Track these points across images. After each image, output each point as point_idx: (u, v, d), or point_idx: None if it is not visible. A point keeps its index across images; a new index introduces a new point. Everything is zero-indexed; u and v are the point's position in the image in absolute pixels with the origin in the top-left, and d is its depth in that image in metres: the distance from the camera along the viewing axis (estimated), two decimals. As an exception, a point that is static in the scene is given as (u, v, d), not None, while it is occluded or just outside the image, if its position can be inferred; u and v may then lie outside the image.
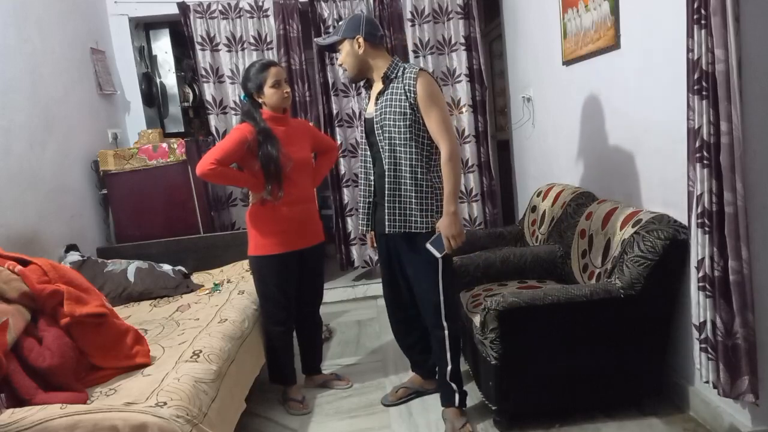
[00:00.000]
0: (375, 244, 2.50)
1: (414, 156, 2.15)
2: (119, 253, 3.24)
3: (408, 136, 2.14)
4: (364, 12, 3.85)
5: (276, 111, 2.41)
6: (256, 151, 2.33)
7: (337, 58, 2.30)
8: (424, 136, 2.16)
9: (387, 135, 2.17)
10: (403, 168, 2.17)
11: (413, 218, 2.18)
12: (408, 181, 2.17)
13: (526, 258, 2.79)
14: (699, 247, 1.85)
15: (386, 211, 2.20)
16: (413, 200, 2.17)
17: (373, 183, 2.34)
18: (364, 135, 2.33)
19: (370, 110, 2.26)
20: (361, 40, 2.16)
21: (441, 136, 2.12)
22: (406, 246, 2.24)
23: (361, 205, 2.44)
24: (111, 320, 2.00)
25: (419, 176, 2.16)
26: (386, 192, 2.19)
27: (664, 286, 2.11)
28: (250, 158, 2.35)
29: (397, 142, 2.16)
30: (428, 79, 2.13)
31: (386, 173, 2.19)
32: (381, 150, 2.20)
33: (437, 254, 2.14)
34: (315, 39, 2.53)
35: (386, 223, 2.21)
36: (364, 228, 2.46)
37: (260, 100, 2.39)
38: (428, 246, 2.14)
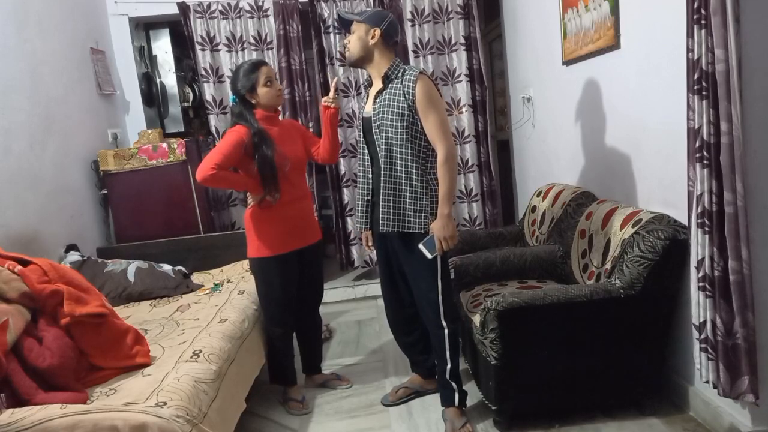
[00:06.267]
0: (370, 243, 2.50)
1: (410, 157, 2.15)
2: (119, 253, 3.24)
3: (405, 137, 2.14)
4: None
5: (269, 110, 2.41)
6: (252, 152, 2.33)
7: (346, 37, 2.30)
8: (421, 138, 2.16)
9: (384, 135, 2.17)
10: (399, 168, 2.17)
11: (407, 218, 2.19)
12: (403, 181, 2.17)
13: (526, 258, 2.79)
14: (699, 247, 1.85)
15: (382, 210, 2.22)
16: (408, 200, 2.17)
17: (371, 182, 2.34)
18: (361, 134, 2.34)
19: (368, 109, 2.26)
20: (377, 32, 2.16)
21: (438, 138, 2.12)
22: (403, 246, 2.25)
23: (359, 203, 2.42)
24: (111, 320, 2.00)
25: (415, 177, 2.16)
26: (382, 191, 2.20)
27: (664, 286, 2.11)
28: (246, 160, 2.34)
29: (394, 142, 2.16)
30: (427, 83, 2.13)
31: (382, 172, 2.20)
32: (378, 149, 2.21)
33: (429, 255, 2.14)
34: (337, 9, 2.53)
35: (381, 221, 2.22)
36: (361, 226, 2.45)
37: (253, 101, 2.38)
38: (420, 247, 2.14)
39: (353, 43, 2.22)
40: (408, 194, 2.17)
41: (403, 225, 2.20)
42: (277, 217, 2.42)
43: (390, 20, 2.20)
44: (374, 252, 2.51)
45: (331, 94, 2.52)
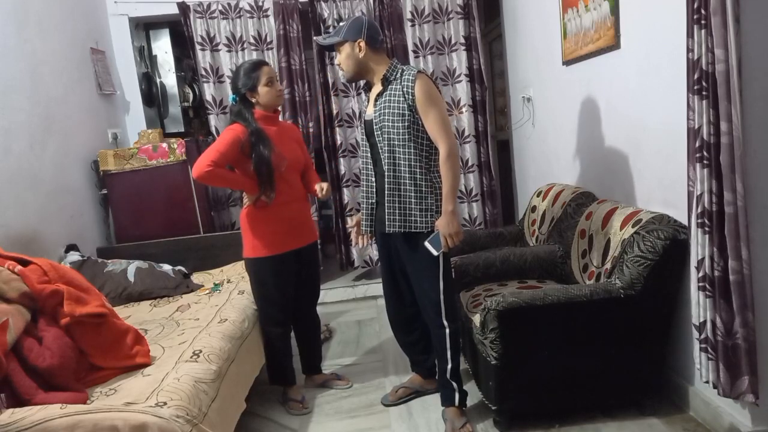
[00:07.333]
0: (363, 244, 2.50)
1: (413, 156, 2.16)
2: (119, 253, 3.24)
3: (407, 137, 2.14)
4: (364, 14, 3.85)
5: (268, 110, 2.41)
6: (248, 151, 2.32)
7: (335, 57, 2.30)
8: (422, 137, 2.16)
9: (386, 136, 2.18)
10: (402, 168, 2.17)
11: (413, 218, 2.19)
12: (407, 181, 2.17)
13: (526, 258, 2.79)
14: (699, 247, 1.85)
15: (386, 210, 2.21)
16: (413, 200, 2.18)
17: (375, 183, 2.33)
18: (364, 137, 2.33)
19: (370, 112, 2.26)
20: (362, 44, 2.16)
21: (439, 135, 2.12)
22: (407, 245, 2.24)
23: (363, 206, 2.40)
24: (111, 320, 2.00)
25: (418, 176, 2.16)
26: (386, 192, 2.20)
27: (664, 286, 2.11)
28: (243, 159, 2.34)
29: (396, 143, 2.16)
30: (426, 81, 2.13)
31: (386, 174, 2.19)
32: (381, 151, 2.21)
33: (434, 252, 2.15)
34: (315, 38, 2.53)
35: (386, 222, 2.22)
36: (366, 230, 2.41)
37: (253, 100, 2.38)
38: (426, 244, 2.15)
39: (344, 63, 2.22)
40: (413, 194, 2.17)
41: (409, 225, 2.20)
42: (274, 217, 2.42)
43: (368, 25, 2.19)
44: (368, 241, 2.47)
45: (325, 191, 2.49)
